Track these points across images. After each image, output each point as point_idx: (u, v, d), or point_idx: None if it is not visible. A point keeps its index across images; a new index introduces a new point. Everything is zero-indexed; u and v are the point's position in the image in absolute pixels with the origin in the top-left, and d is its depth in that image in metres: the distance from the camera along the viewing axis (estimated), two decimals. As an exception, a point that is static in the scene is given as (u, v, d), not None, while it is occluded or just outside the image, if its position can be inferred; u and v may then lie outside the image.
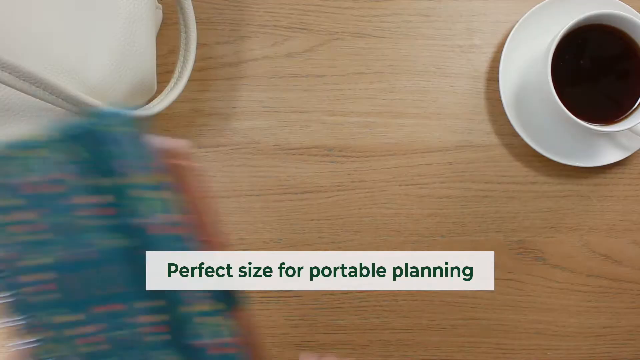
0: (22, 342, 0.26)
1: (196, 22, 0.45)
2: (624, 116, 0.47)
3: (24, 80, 0.34)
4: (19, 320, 0.26)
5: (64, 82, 0.38)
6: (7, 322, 0.26)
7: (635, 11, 0.49)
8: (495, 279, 0.51)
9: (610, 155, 0.50)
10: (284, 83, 0.51)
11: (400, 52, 0.52)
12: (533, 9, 0.49)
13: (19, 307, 0.26)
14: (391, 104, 0.51)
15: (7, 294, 0.25)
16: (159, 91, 0.46)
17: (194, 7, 0.44)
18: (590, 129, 0.45)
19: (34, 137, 0.25)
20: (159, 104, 0.44)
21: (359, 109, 0.51)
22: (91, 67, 0.39)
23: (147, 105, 0.44)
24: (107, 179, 0.25)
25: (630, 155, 0.50)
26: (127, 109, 0.25)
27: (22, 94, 0.35)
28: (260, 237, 0.51)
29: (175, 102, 0.45)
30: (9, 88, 0.35)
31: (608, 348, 0.52)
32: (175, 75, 0.45)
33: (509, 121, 0.50)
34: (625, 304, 0.52)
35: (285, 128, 0.51)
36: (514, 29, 0.50)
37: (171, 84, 0.45)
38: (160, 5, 0.50)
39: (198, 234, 0.26)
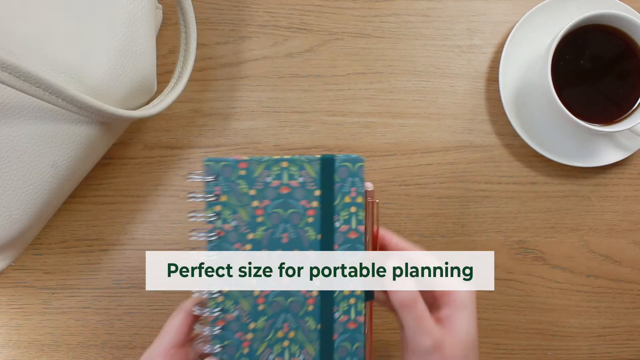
0: (203, 291, 0.36)
1: (196, 22, 0.45)
2: (624, 116, 0.47)
3: (24, 80, 0.34)
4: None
5: (64, 82, 0.38)
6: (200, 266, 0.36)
7: (635, 11, 0.49)
8: (495, 279, 0.51)
9: (610, 156, 0.50)
10: (284, 83, 0.51)
11: (400, 52, 0.52)
12: (533, 9, 0.49)
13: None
14: (391, 104, 0.51)
15: (211, 253, 0.36)
16: (159, 91, 0.46)
17: (194, 7, 0.44)
18: (590, 129, 0.45)
19: (284, 157, 0.36)
20: (159, 104, 0.44)
21: (359, 109, 0.51)
22: (91, 67, 0.39)
23: (147, 105, 0.44)
24: (320, 191, 0.36)
25: (630, 156, 0.51)
26: (356, 157, 0.36)
27: (22, 94, 0.35)
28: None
29: (175, 102, 0.45)
30: (9, 88, 0.35)
31: (608, 348, 0.52)
32: (175, 75, 0.45)
33: (509, 121, 0.50)
34: (625, 304, 0.52)
35: (285, 128, 0.51)
36: (514, 29, 0.50)
37: (171, 84, 0.45)
38: (160, 5, 0.50)
39: (367, 242, 0.37)
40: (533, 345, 0.52)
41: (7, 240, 0.40)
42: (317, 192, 0.36)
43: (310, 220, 0.36)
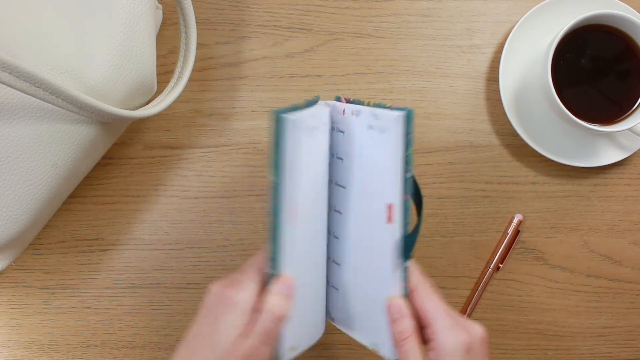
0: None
1: (196, 22, 0.45)
2: (624, 116, 0.47)
3: (24, 80, 0.34)
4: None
5: (64, 82, 0.38)
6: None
7: (635, 11, 0.49)
8: (496, 279, 0.51)
9: (610, 156, 0.50)
10: (284, 83, 0.51)
11: (400, 52, 0.52)
12: (533, 9, 0.49)
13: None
14: (391, 104, 0.51)
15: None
16: (159, 91, 0.46)
17: (194, 7, 0.44)
18: (591, 129, 0.45)
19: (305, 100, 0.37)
20: (159, 104, 0.44)
21: (359, 109, 0.51)
22: (91, 67, 0.39)
23: (147, 105, 0.44)
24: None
25: (630, 156, 0.51)
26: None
27: (22, 94, 0.35)
28: (260, 237, 0.51)
29: (175, 102, 0.45)
30: (9, 88, 0.35)
31: (608, 348, 0.52)
32: (175, 75, 0.45)
33: (509, 121, 0.50)
34: (625, 305, 0.52)
35: (285, 128, 0.51)
36: (514, 29, 0.50)
37: (171, 84, 0.45)
38: (160, 5, 0.50)
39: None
40: (533, 345, 0.52)
41: (7, 240, 0.40)
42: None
43: None
